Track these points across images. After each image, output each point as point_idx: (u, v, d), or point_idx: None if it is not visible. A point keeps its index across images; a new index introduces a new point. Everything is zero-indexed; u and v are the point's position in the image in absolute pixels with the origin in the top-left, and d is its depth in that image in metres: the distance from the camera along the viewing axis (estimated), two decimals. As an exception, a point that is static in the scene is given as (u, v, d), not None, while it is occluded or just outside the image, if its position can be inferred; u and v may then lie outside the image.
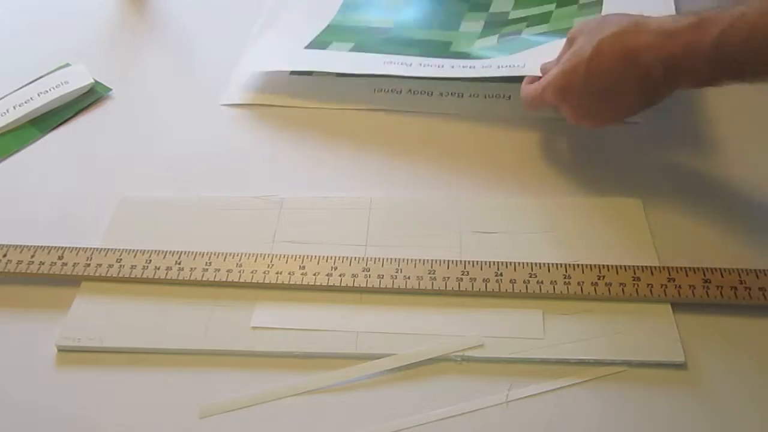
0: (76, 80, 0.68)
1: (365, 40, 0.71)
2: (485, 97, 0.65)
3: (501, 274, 0.48)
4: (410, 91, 0.66)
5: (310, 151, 0.61)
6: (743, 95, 0.60)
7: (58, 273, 0.50)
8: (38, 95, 0.66)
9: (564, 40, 0.53)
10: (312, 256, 0.50)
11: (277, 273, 0.49)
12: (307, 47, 0.70)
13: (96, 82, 0.68)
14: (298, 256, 0.50)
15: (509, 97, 0.64)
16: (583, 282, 0.47)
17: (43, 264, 0.50)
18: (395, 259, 0.50)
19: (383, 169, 0.59)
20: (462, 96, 0.65)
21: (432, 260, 0.50)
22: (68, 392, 0.45)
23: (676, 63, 0.44)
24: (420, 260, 0.50)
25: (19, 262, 0.51)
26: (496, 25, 0.72)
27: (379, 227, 0.54)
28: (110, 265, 0.50)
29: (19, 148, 0.63)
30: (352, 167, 0.59)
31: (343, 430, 0.42)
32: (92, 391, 0.45)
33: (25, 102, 0.66)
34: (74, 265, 0.50)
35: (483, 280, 0.48)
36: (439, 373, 0.45)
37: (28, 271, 0.50)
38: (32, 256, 0.51)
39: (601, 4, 0.68)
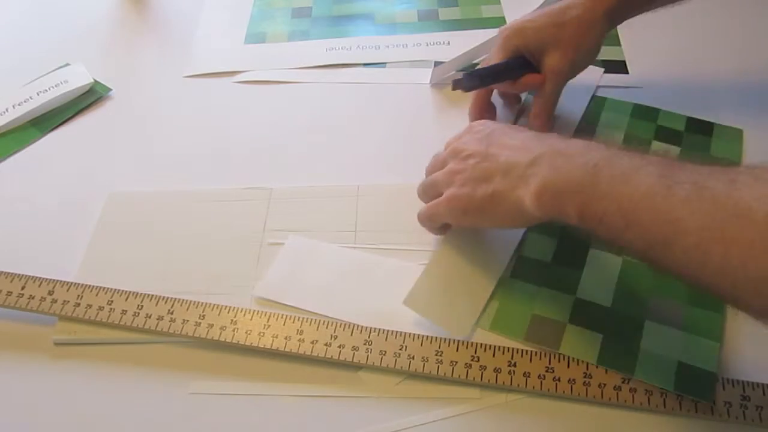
0: (76, 80, 0.68)
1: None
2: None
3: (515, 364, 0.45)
4: (359, 47, 0.72)
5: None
6: None
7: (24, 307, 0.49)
8: (37, 94, 0.66)
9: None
10: (311, 320, 0.48)
11: (273, 336, 0.47)
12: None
13: (96, 82, 0.68)
14: (297, 318, 0.48)
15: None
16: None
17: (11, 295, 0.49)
18: (400, 334, 0.47)
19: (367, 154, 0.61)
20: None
21: (441, 339, 0.46)
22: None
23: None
24: (427, 338, 0.46)
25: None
26: None
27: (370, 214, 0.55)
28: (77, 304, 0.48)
29: (19, 148, 0.63)
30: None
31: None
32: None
33: (24, 101, 0.66)
34: (41, 299, 0.49)
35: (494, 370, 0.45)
36: None
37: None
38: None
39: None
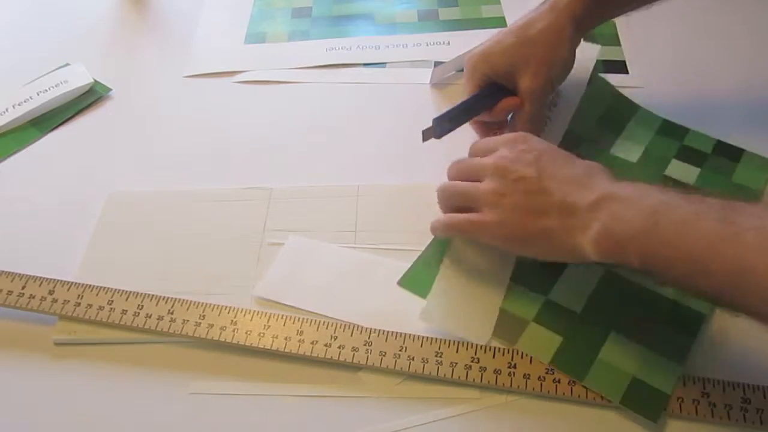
0: (76, 80, 0.68)
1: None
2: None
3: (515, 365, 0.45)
4: (359, 47, 0.72)
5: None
6: None
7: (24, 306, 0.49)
8: (37, 94, 0.66)
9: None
10: (311, 321, 0.48)
11: (273, 337, 0.46)
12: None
13: (96, 82, 0.68)
14: (297, 319, 0.48)
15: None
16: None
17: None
18: (400, 334, 0.47)
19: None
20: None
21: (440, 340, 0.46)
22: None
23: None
24: (427, 339, 0.46)
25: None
26: None
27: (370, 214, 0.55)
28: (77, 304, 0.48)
29: (19, 148, 0.63)
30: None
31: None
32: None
33: (24, 101, 0.66)
34: (40, 299, 0.49)
35: (494, 371, 0.45)
36: None
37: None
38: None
39: None
